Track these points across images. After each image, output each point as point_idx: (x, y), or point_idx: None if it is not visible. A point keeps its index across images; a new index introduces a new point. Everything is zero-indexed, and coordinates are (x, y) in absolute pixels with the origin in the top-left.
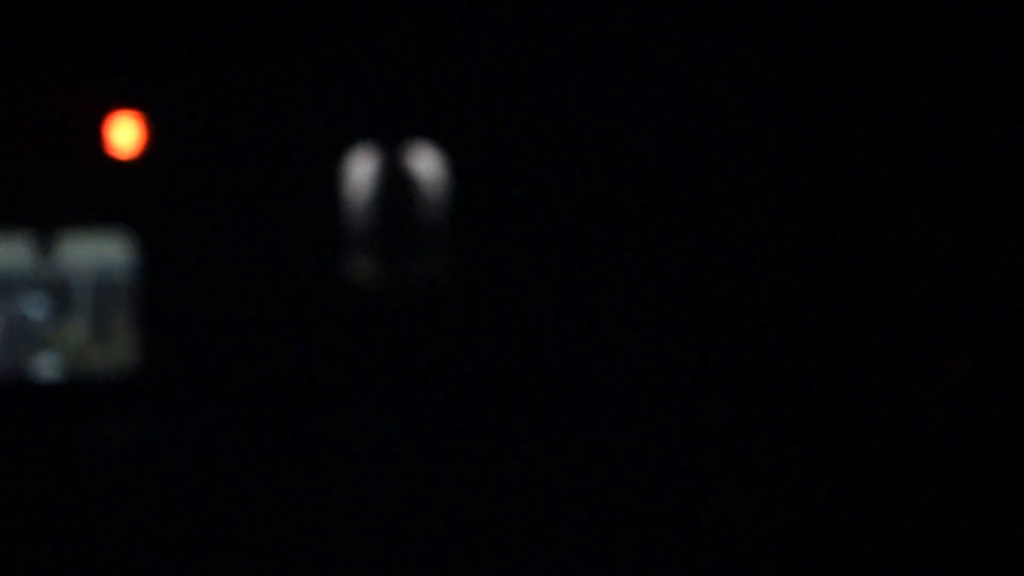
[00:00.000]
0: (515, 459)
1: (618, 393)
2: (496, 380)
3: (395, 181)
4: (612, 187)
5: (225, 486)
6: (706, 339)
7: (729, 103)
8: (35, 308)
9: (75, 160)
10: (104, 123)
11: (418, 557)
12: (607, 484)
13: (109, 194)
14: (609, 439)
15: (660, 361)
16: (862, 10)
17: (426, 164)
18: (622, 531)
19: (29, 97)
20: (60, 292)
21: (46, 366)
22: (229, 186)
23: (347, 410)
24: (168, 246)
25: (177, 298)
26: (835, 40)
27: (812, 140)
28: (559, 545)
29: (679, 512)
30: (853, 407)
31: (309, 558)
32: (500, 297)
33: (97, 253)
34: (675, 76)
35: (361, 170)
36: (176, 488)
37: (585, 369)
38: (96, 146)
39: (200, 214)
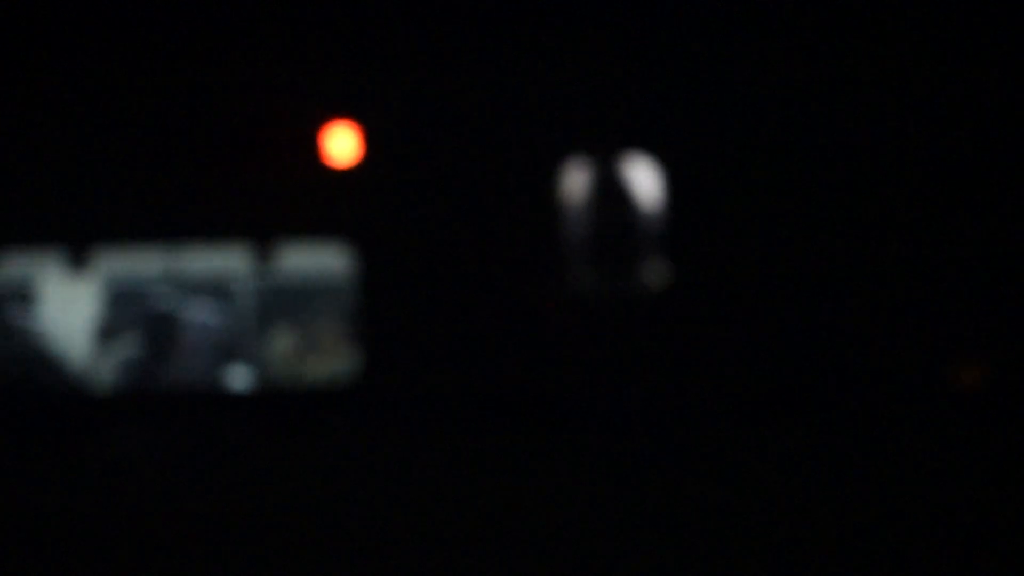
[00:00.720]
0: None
1: (846, 403)
2: (719, 389)
3: (611, 192)
4: (836, 192)
5: (443, 500)
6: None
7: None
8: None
9: (292, 170)
10: (321, 133)
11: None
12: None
13: (325, 204)
14: (844, 450)
15: (892, 370)
16: None
17: (642, 175)
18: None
19: (245, 107)
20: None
21: (241, 377)
22: (445, 196)
23: (567, 421)
24: (384, 256)
25: (393, 308)
26: None
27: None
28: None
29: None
30: None
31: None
32: (719, 306)
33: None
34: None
35: (577, 180)
36: (390, 501)
37: (810, 377)
38: (313, 156)
39: (416, 224)
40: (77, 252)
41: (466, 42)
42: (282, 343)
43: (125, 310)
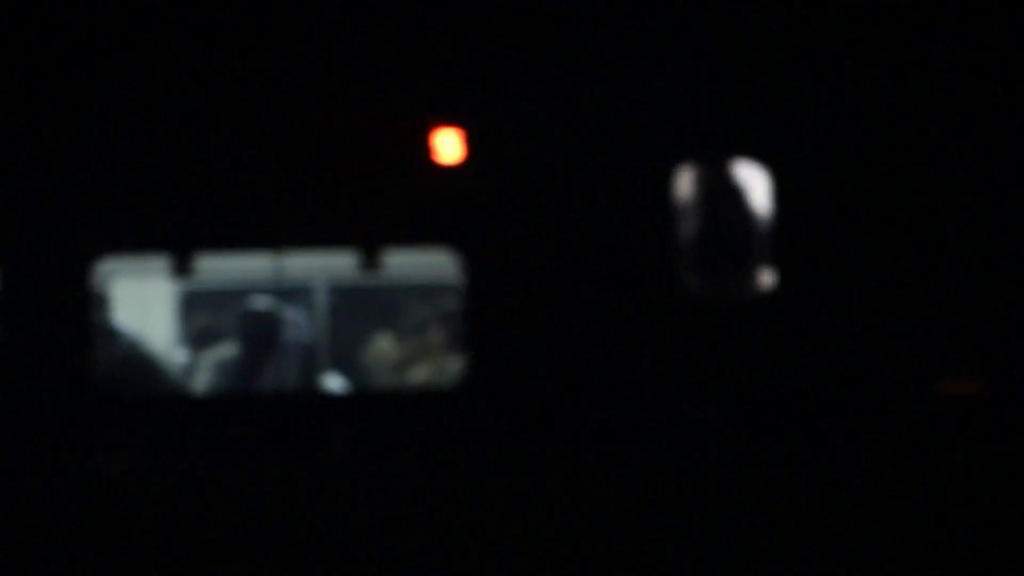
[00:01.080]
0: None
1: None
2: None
3: (721, 197)
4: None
5: (553, 507)
6: None
7: None
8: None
9: (399, 175)
10: (428, 137)
11: None
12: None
13: (433, 208)
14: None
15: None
16: None
17: (750, 179)
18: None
19: (353, 113)
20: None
21: (340, 381)
22: (555, 201)
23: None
24: (494, 262)
25: (500, 312)
26: None
27: None
28: None
29: None
30: None
31: None
32: (826, 310)
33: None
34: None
35: (688, 185)
36: (496, 508)
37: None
38: (420, 161)
39: (525, 229)
40: (182, 256)
41: (578, 50)
42: (383, 347)
43: (225, 313)
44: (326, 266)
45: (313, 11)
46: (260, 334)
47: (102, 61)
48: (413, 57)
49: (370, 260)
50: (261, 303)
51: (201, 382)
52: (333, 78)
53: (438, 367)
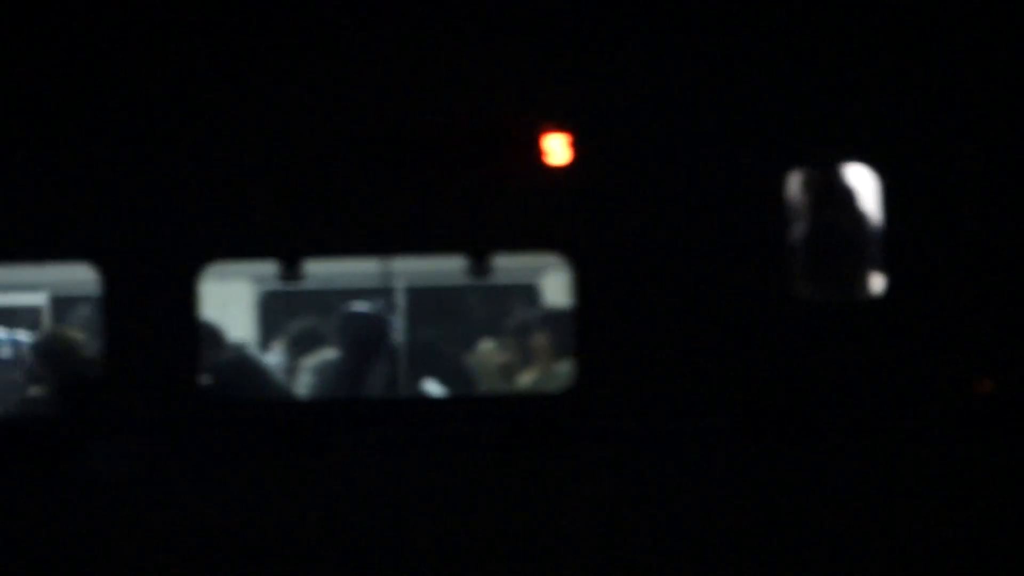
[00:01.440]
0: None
1: None
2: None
3: (832, 201)
4: None
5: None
6: None
7: None
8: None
9: (508, 179)
10: (537, 141)
11: None
12: None
13: (542, 212)
14: None
15: None
16: None
17: (861, 183)
18: None
19: (462, 117)
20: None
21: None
22: (666, 204)
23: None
24: (604, 264)
25: (611, 317)
26: None
27: None
28: None
29: None
30: None
31: None
32: (937, 312)
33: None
34: None
35: (799, 189)
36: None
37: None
38: (529, 164)
39: (635, 233)
40: (290, 261)
41: (690, 50)
42: (490, 351)
43: (329, 317)
44: (404, 269)
45: (422, 15)
46: (364, 337)
47: (213, 67)
48: (523, 60)
49: (479, 265)
50: (363, 306)
51: (303, 386)
52: (443, 82)
53: (545, 371)
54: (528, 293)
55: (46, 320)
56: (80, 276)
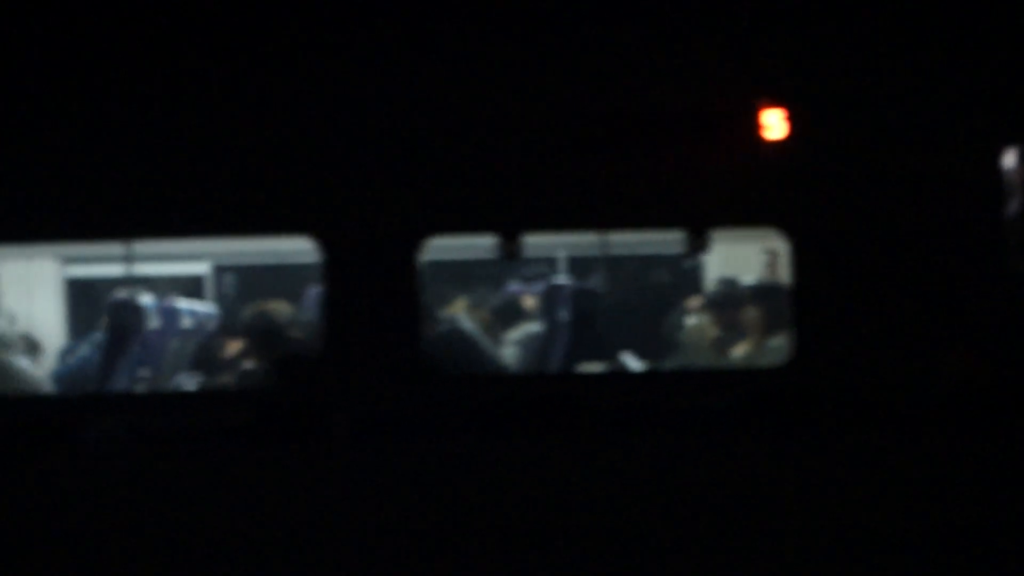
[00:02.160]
0: None
1: None
2: None
3: None
4: None
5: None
6: None
7: None
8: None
9: (726, 155)
10: (755, 117)
11: None
12: None
13: (759, 190)
14: None
15: None
16: None
17: None
18: None
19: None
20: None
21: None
22: (881, 180)
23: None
24: (820, 242)
25: (827, 294)
26: None
27: None
28: None
29: None
30: None
31: None
32: None
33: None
34: None
35: (1013, 164)
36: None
37: None
38: (747, 140)
39: (851, 208)
40: (506, 237)
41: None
42: (702, 326)
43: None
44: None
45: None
46: (576, 310)
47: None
48: (740, 37)
49: (696, 242)
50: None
51: (509, 358)
52: (664, 61)
53: (757, 346)
54: (672, 263)
55: (209, 289)
56: (240, 247)
